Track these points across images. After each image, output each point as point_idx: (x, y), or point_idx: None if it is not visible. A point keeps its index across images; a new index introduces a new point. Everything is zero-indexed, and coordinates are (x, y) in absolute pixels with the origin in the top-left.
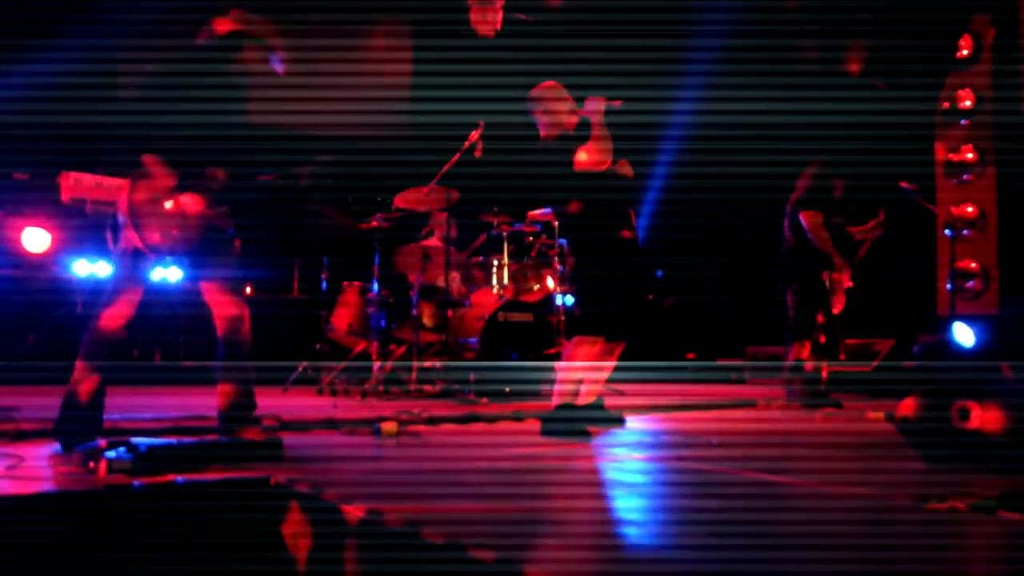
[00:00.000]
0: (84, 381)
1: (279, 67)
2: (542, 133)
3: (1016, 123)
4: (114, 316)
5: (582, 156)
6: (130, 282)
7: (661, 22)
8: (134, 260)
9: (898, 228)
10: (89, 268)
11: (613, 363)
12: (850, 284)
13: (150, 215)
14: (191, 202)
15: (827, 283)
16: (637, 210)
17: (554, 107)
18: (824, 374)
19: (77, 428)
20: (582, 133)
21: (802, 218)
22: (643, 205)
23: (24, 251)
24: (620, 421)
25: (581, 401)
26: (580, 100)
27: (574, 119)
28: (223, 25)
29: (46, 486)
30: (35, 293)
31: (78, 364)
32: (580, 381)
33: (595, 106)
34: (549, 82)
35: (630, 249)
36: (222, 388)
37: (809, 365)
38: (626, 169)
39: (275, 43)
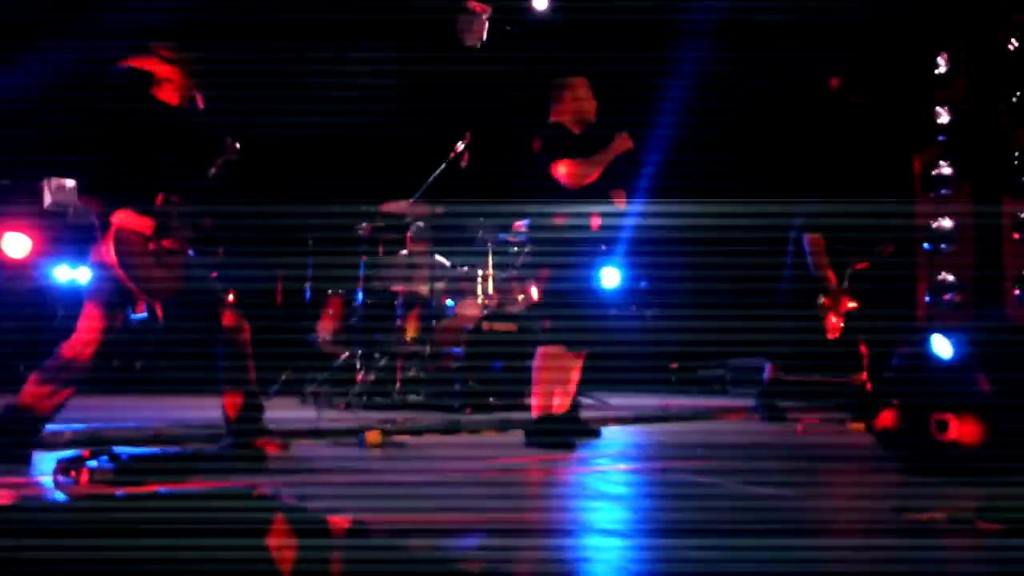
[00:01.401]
0: (48, 399)
1: (200, 102)
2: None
3: (992, 138)
4: (82, 343)
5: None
6: (105, 297)
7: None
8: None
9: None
10: (70, 274)
11: (578, 371)
12: (852, 307)
13: (141, 262)
14: (172, 239)
15: (820, 309)
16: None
17: (583, 95)
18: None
19: (8, 441)
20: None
21: (806, 238)
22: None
23: (4, 256)
24: (595, 433)
25: (556, 410)
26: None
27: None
28: (141, 63)
29: (24, 495)
30: (14, 298)
31: (33, 378)
32: (552, 391)
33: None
34: (580, 77)
35: (594, 261)
36: (229, 400)
37: (786, 378)
38: (620, 197)
39: (195, 80)
